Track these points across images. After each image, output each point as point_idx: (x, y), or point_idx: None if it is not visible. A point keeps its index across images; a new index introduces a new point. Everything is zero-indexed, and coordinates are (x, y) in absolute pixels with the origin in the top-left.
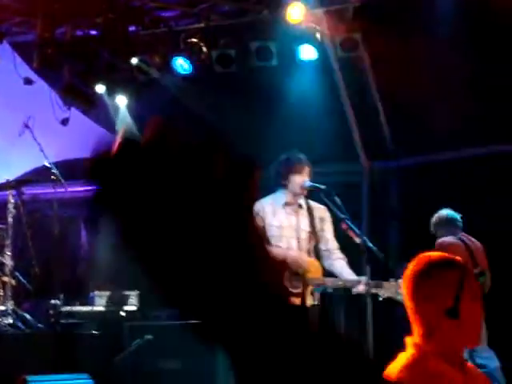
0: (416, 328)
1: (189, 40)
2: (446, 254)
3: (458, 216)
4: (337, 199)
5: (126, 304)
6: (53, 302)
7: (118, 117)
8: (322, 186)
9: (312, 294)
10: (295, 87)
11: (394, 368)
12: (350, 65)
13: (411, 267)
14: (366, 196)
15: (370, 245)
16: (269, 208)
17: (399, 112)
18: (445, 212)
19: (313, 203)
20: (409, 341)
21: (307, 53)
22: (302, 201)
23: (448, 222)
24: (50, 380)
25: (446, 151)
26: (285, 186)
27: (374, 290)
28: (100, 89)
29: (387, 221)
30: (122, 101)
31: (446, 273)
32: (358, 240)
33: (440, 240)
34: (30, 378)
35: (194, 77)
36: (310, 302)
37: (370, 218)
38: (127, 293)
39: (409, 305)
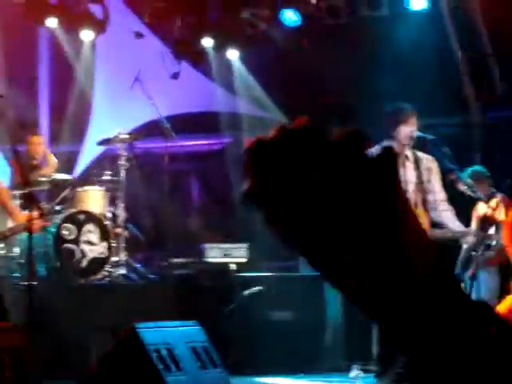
0: None
1: None
2: None
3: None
4: (446, 149)
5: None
6: (164, 253)
7: (234, 71)
8: (430, 137)
9: None
10: (405, 37)
11: (502, 309)
12: (461, 14)
13: (510, 212)
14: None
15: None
16: None
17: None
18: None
19: (420, 154)
20: None
21: (418, 2)
22: (408, 152)
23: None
24: (158, 327)
25: None
26: (393, 137)
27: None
28: (208, 42)
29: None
30: (233, 54)
31: None
32: (466, 191)
33: None
34: (138, 325)
35: (302, 28)
36: None
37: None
38: (238, 245)
39: (508, 246)
